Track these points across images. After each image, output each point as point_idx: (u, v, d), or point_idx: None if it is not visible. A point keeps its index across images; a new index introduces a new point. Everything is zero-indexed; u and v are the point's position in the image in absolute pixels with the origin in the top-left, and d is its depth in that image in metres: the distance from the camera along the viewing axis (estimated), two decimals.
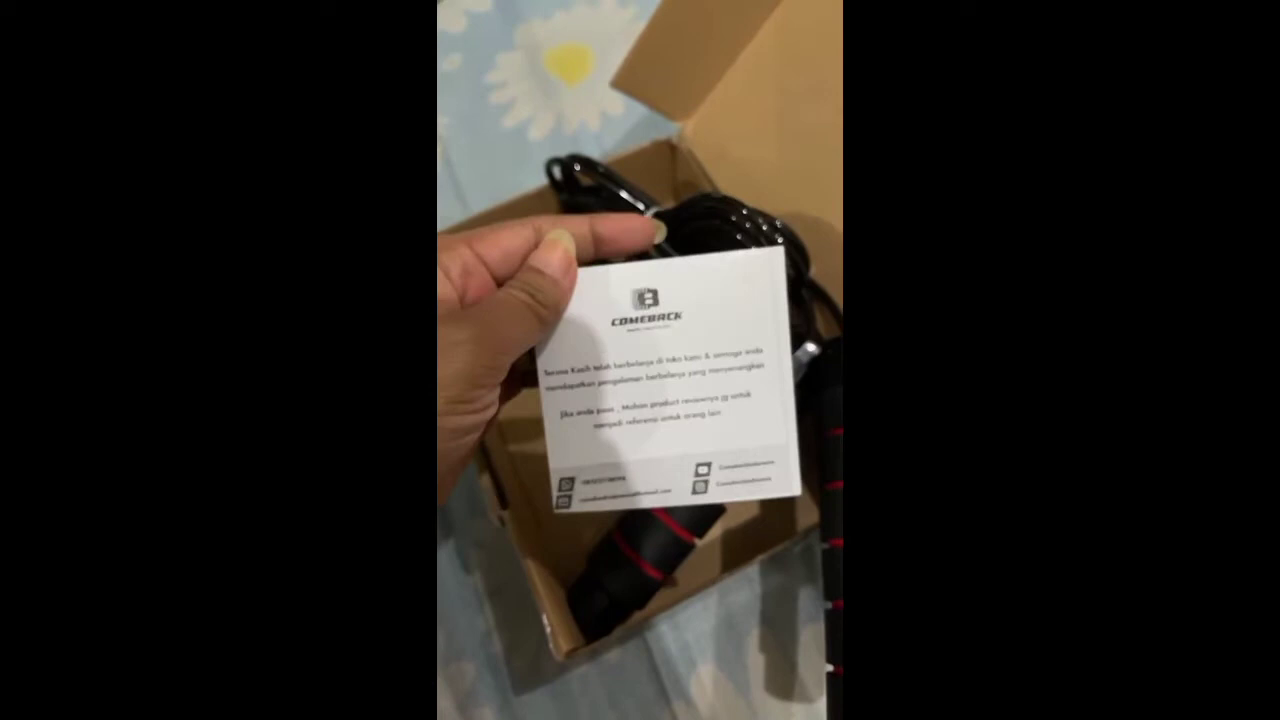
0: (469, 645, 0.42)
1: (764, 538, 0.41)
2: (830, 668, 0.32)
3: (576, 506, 0.28)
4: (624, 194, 0.40)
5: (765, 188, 0.42)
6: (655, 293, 0.27)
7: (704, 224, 0.39)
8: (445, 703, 0.41)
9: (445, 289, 0.26)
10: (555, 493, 0.28)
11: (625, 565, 0.36)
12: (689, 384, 0.27)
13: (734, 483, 0.28)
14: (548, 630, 0.35)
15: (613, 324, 0.28)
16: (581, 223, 0.28)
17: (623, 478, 0.28)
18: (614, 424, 0.28)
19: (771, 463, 0.27)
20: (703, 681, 0.40)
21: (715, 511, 0.37)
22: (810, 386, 0.37)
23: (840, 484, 0.34)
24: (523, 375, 0.29)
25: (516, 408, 0.46)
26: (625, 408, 0.28)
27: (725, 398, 0.27)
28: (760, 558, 0.37)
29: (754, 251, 0.27)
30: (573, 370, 0.28)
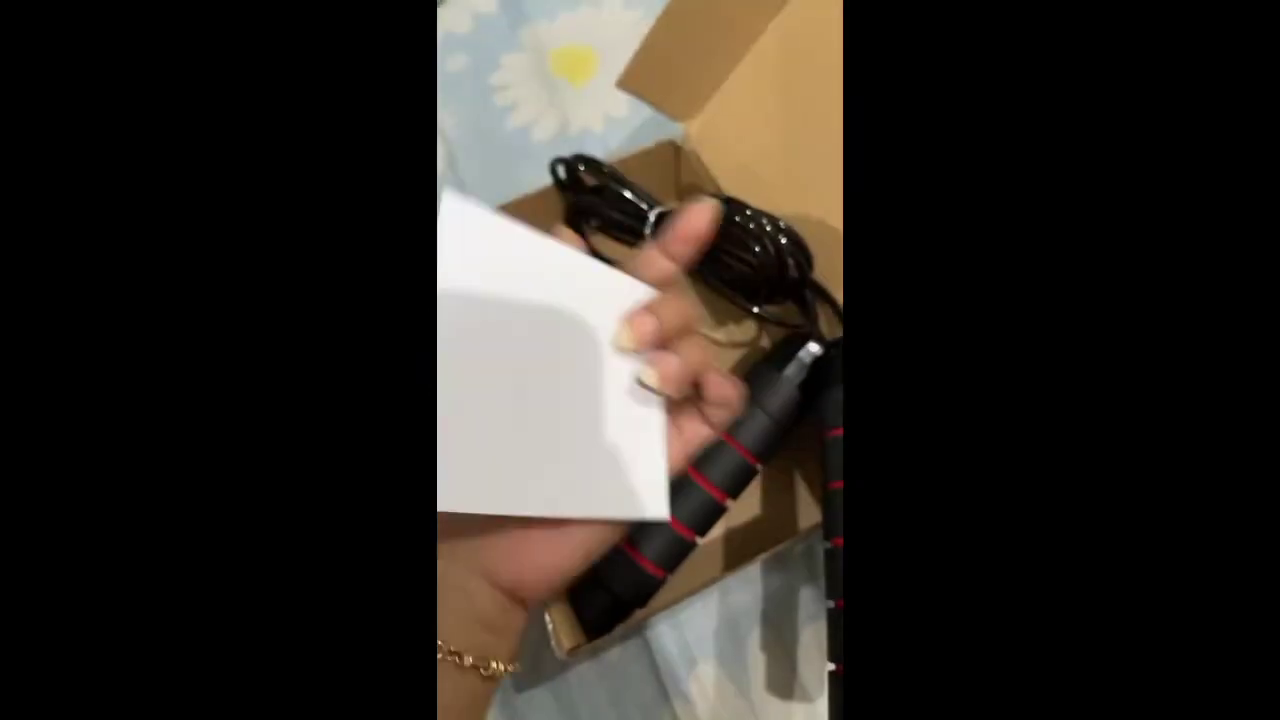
0: None
1: (765, 537, 0.41)
2: (832, 666, 0.33)
3: None
4: (628, 194, 0.41)
5: (769, 188, 0.43)
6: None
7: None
8: None
9: None
10: None
11: (627, 563, 0.36)
12: None
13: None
14: (549, 628, 0.35)
15: None
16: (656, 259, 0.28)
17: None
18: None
19: None
20: (703, 680, 0.40)
21: (717, 510, 0.37)
22: (812, 387, 0.37)
23: (842, 483, 0.34)
24: None
25: None
26: None
27: None
28: (762, 557, 0.38)
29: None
30: None
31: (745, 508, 0.42)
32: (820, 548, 0.42)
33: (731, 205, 0.38)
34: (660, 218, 0.41)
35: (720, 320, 0.46)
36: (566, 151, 0.56)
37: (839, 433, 0.35)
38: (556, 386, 0.25)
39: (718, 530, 0.41)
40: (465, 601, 0.25)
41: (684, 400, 0.27)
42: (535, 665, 0.41)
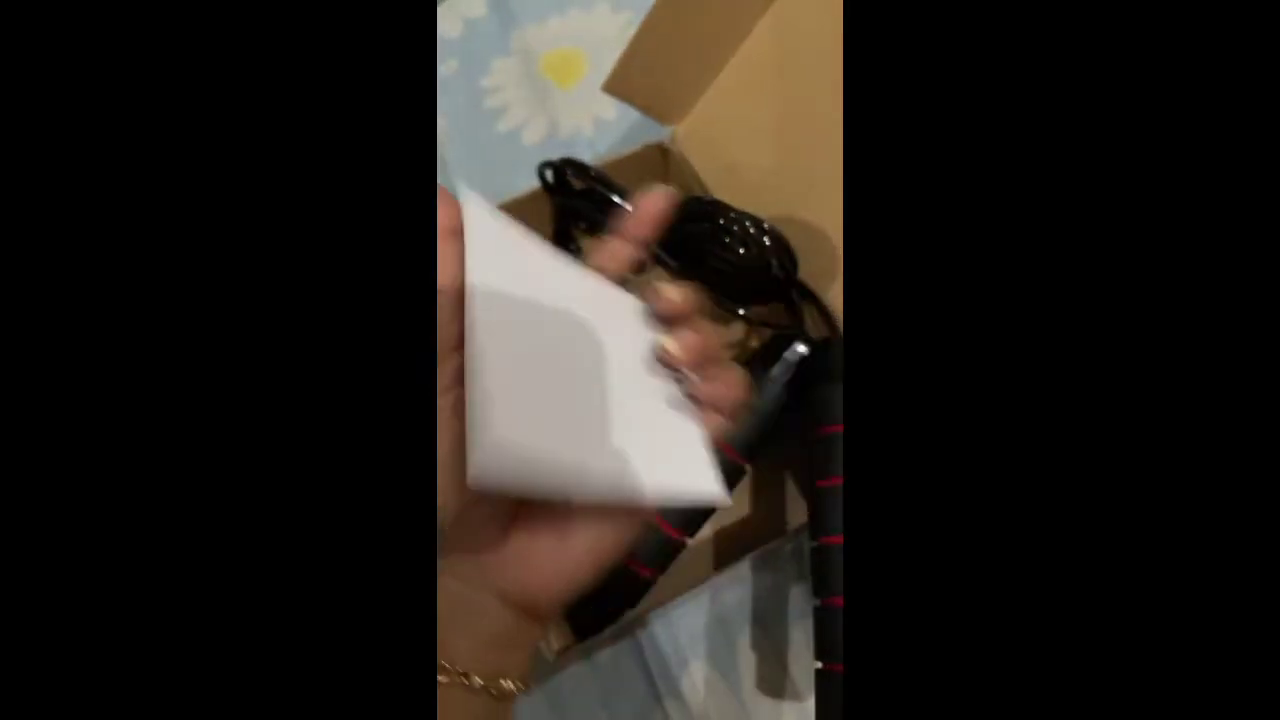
0: None
1: (754, 536, 0.41)
2: (819, 664, 0.33)
3: None
4: (614, 197, 0.41)
5: (757, 190, 0.43)
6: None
7: (694, 227, 0.39)
8: None
9: None
10: None
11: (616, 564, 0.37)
12: None
13: None
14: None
15: None
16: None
17: None
18: None
19: None
20: (694, 680, 0.40)
21: (706, 510, 0.38)
22: (800, 386, 0.37)
23: (829, 481, 0.34)
24: None
25: None
26: None
27: None
28: (751, 556, 0.38)
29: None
30: None
31: (734, 507, 0.42)
32: (807, 547, 0.42)
33: (716, 208, 0.38)
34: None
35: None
36: (556, 154, 0.56)
37: (826, 430, 0.35)
38: (589, 376, 0.25)
39: (706, 530, 0.41)
40: (474, 620, 0.25)
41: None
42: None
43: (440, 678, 0.23)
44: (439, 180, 0.60)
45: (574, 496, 0.24)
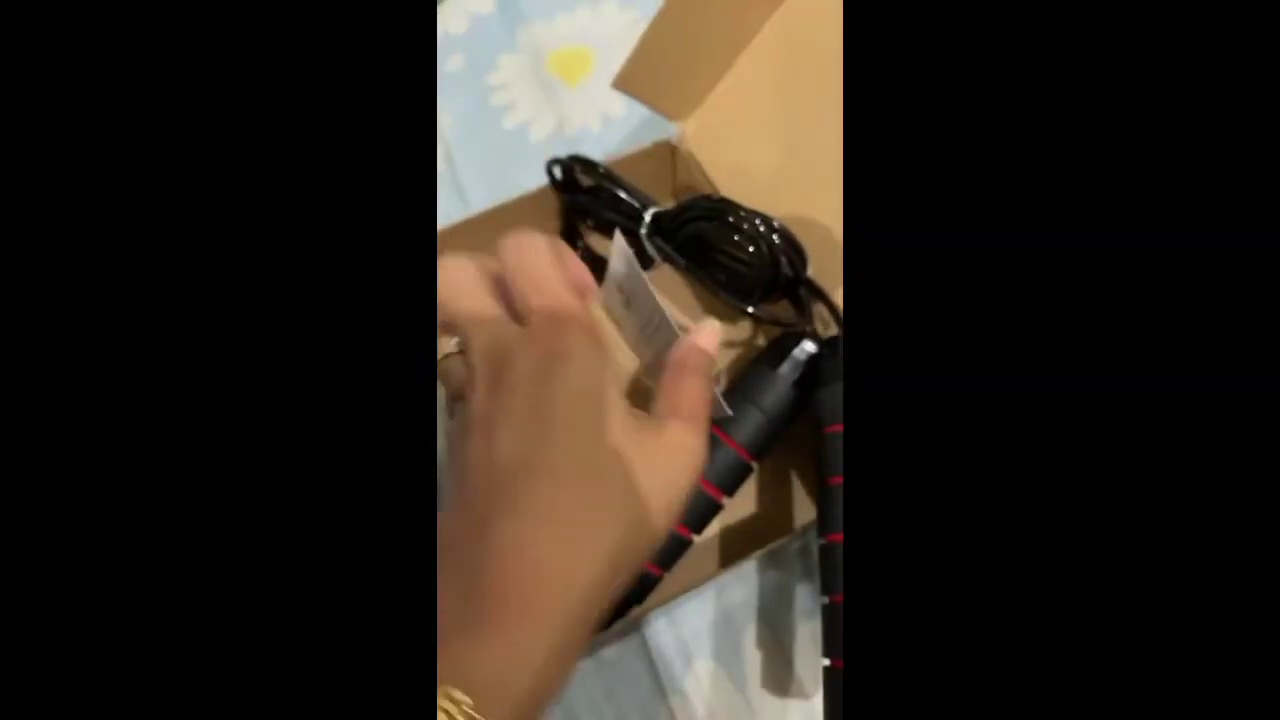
0: None
1: (761, 534, 0.41)
2: (826, 662, 0.33)
3: None
4: (622, 194, 0.41)
5: (765, 188, 0.43)
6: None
7: (703, 225, 0.39)
8: None
9: None
10: None
11: None
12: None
13: None
14: None
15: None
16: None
17: None
18: None
19: None
20: (699, 677, 0.40)
21: (713, 508, 0.38)
22: (807, 385, 0.37)
23: (836, 479, 0.34)
24: None
25: None
26: None
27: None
28: (757, 554, 0.38)
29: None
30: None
31: (741, 505, 0.42)
32: (815, 545, 0.42)
33: (725, 206, 0.38)
34: (655, 218, 0.41)
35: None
36: (563, 150, 0.56)
37: (834, 429, 0.35)
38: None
39: (713, 528, 0.41)
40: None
41: None
42: None
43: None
44: (444, 176, 0.60)
45: None
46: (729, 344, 0.46)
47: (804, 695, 0.40)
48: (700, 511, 0.37)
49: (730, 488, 0.38)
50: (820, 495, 0.36)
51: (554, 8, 0.61)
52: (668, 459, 0.27)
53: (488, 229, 0.44)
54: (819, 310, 0.41)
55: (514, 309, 0.28)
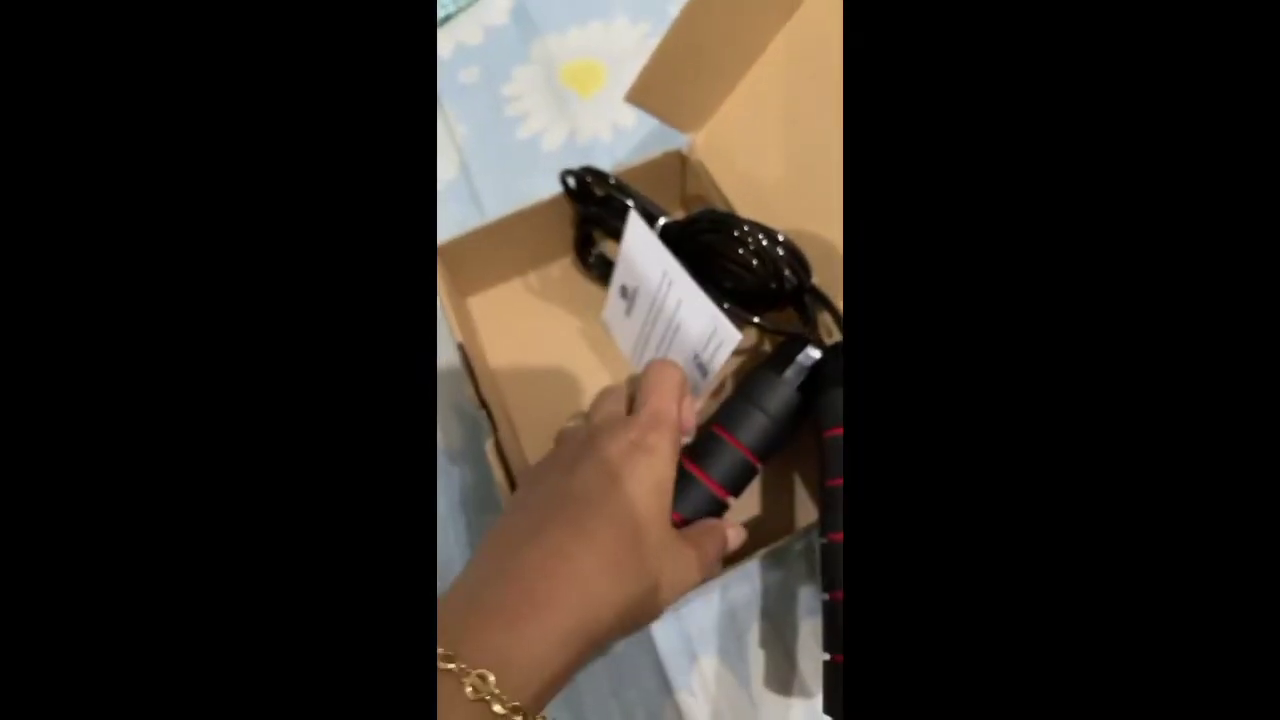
0: None
1: (764, 535, 0.42)
2: (827, 656, 0.34)
3: None
4: (631, 204, 0.42)
5: (773, 199, 0.44)
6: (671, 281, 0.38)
7: (710, 237, 0.41)
8: None
9: None
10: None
11: None
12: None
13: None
14: None
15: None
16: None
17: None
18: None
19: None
20: (704, 674, 0.41)
21: (719, 507, 0.38)
22: (811, 390, 0.39)
23: (836, 481, 0.35)
24: None
25: (533, 407, 0.47)
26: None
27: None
28: (761, 553, 0.39)
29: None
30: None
31: (745, 507, 0.43)
32: (817, 544, 0.43)
33: (729, 219, 0.40)
34: (665, 229, 0.42)
35: None
36: (575, 159, 0.58)
37: (834, 433, 0.36)
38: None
39: None
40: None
41: None
42: None
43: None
44: (459, 184, 0.62)
45: None
46: (736, 351, 0.47)
47: (806, 693, 0.41)
48: (708, 511, 0.38)
49: (736, 488, 0.39)
50: (821, 497, 0.37)
51: (567, 21, 0.63)
52: (689, 565, 0.32)
53: (501, 236, 0.46)
54: (823, 318, 0.42)
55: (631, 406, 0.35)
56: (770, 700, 0.41)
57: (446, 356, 0.47)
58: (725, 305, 0.41)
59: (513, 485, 0.38)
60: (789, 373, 0.39)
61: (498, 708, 0.24)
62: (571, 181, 0.45)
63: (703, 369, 0.41)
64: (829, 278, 0.41)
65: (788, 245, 0.39)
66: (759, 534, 0.42)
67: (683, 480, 0.37)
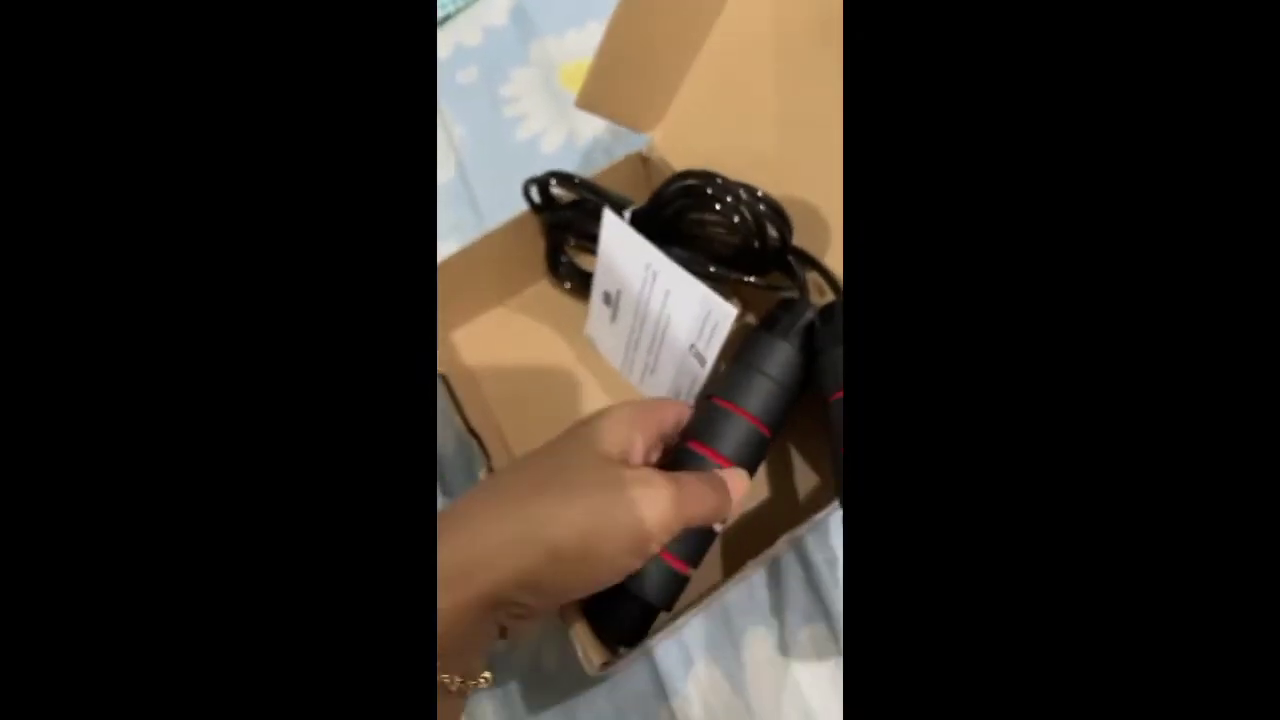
0: None
1: (759, 539, 0.41)
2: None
3: None
4: (598, 200, 0.42)
5: (740, 178, 0.44)
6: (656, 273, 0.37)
7: (682, 203, 0.39)
8: None
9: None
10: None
11: (656, 565, 0.34)
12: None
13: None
14: (578, 649, 0.34)
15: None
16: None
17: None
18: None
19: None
20: (699, 679, 0.41)
21: (708, 538, 0.36)
22: (809, 351, 0.36)
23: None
24: None
25: (530, 433, 0.47)
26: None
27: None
28: (759, 557, 0.38)
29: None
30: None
31: (737, 511, 0.43)
32: (815, 548, 0.42)
33: (704, 179, 0.38)
34: (635, 215, 0.41)
35: None
36: (574, 161, 0.57)
37: (840, 396, 0.34)
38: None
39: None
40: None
41: None
42: (535, 664, 0.42)
43: None
44: (456, 186, 0.61)
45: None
46: None
47: (802, 699, 0.40)
48: (696, 545, 0.36)
49: (750, 462, 0.36)
50: (835, 464, 0.35)
51: (565, 23, 0.62)
52: (646, 499, 0.30)
53: (470, 262, 0.45)
54: (812, 279, 0.40)
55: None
56: (765, 706, 0.40)
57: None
58: (712, 269, 0.39)
59: None
60: (790, 333, 0.36)
61: None
62: (535, 192, 0.44)
63: (700, 358, 0.39)
64: (808, 242, 0.40)
65: (767, 200, 0.38)
66: (753, 539, 0.42)
67: (688, 463, 0.35)
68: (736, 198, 0.38)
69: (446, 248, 0.47)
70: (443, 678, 0.26)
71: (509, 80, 0.61)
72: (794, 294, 0.39)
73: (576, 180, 0.43)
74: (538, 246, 0.48)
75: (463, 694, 0.26)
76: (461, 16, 0.64)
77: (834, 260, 0.40)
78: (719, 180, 0.38)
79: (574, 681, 0.41)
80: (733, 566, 0.39)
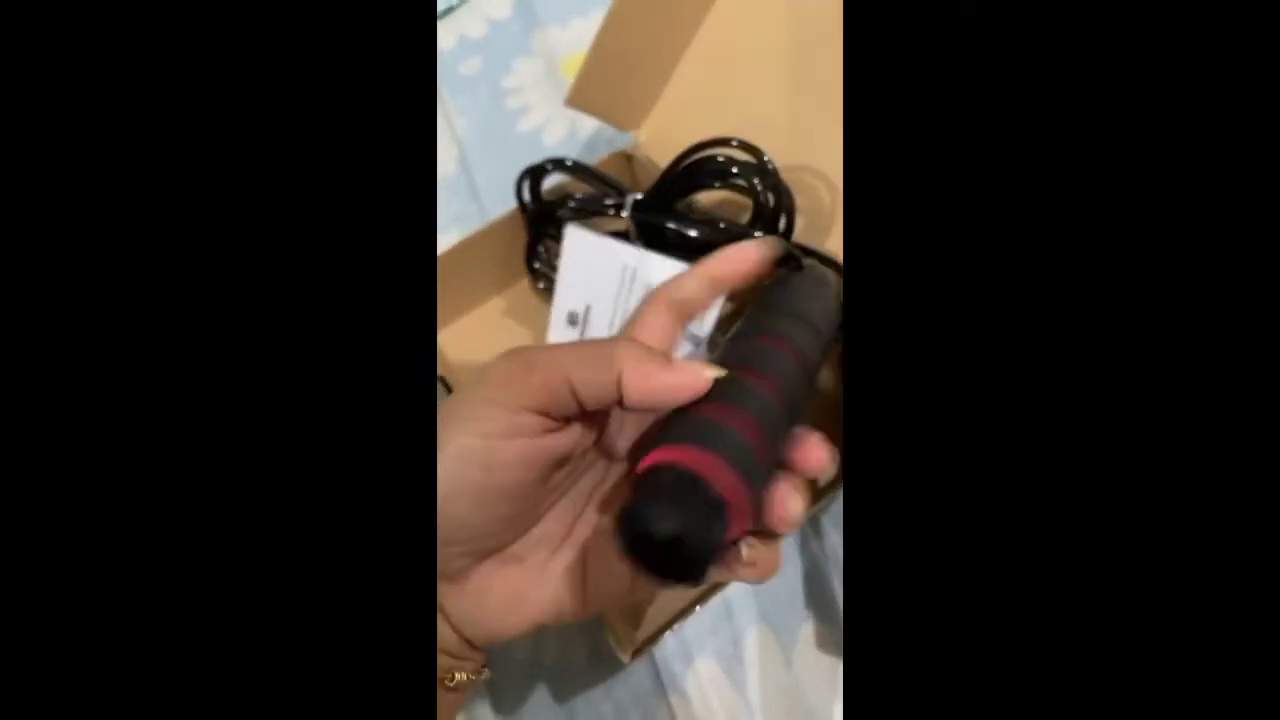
0: None
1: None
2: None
3: None
4: (573, 206, 0.42)
5: None
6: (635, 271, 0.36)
7: (691, 181, 0.39)
8: None
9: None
10: None
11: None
12: None
13: None
14: (611, 641, 0.34)
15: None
16: (694, 277, 0.27)
17: None
18: None
19: None
20: (699, 676, 0.41)
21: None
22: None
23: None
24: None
25: None
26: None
27: None
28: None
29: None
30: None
31: None
32: (816, 545, 0.42)
33: (712, 145, 0.37)
34: (638, 203, 0.40)
35: None
36: (576, 152, 0.57)
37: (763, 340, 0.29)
38: None
39: None
40: None
41: None
42: (535, 658, 0.42)
43: None
44: (459, 177, 0.61)
45: None
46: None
47: (803, 697, 0.40)
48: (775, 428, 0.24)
49: (801, 404, 0.26)
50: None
51: (568, 13, 0.62)
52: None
53: (458, 262, 0.45)
54: None
55: None
56: (766, 703, 0.40)
57: None
58: (722, 224, 0.37)
59: None
60: (813, 269, 0.30)
61: None
62: (527, 188, 0.44)
63: (695, 339, 0.37)
64: (795, 239, 0.39)
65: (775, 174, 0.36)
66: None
67: (737, 390, 0.24)
68: (746, 164, 0.36)
69: (448, 239, 0.47)
70: (455, 675, 0.25)
71: (512, 72, 0.61)
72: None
73: (569, 163, 0.42)
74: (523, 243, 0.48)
75: (460, 689, 0.26)
76: (465, 8, 0.64)
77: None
78: (730, 142, 0.37)
79: (573, 678, 0.41)
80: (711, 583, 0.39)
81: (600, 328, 0.40)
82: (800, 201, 0.38)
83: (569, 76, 0.60)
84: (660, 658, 0.41)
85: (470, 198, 0.56)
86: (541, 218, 0.44)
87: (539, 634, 0.41)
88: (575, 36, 0.61)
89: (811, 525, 0.43)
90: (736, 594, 0.42)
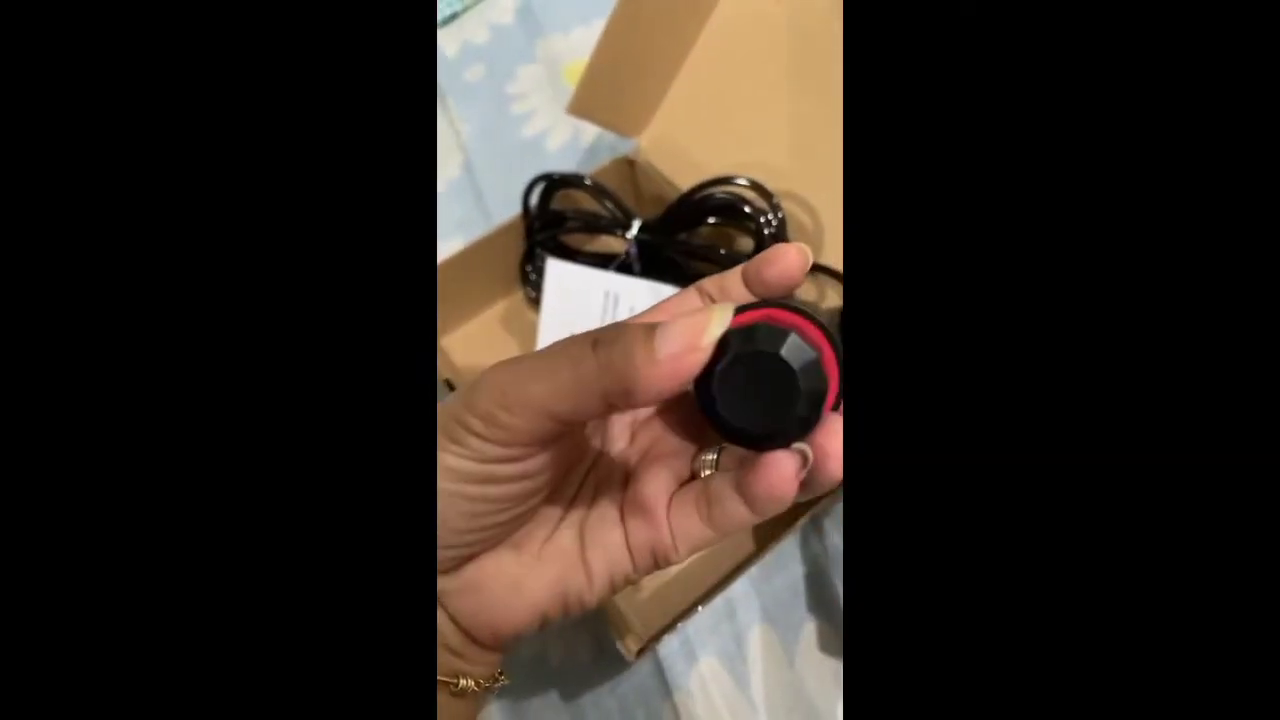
0: None
1: (762, 533, 0.41)
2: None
3: None
4: (610, 205, 0.42)
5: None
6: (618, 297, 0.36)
7: (700, 213, 0.40)
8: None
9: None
10: None
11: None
12: None
13: None
14: (618, 641, 0.34)
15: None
16: (735, 276, 0.25)
17: None
18: None
19: None
20: (703, 674, 0.41)
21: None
22: None
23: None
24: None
25: None
26: None
27: None
28: (763, 554, 0.38)
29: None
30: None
31: None
32: (819, 544, 0.43)
33: (715, 185, 0.39)
34: (643, 227, 0.41)
35: None
36: (579, 158, 0.58)
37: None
38: None
39: None
40: None
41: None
42: (540, 658, 0.42)
43: None
44: (463, 183, 0.61)
45: None
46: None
47: (806, 695, 0.40)
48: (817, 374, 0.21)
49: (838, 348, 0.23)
50: None
51: (571, 21, 0.63)
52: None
53: (459, 269, 0.46)
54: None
55: None
56: (770, 701, 0.40)
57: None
58: (723, 251, 0.39)
59: None
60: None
61: None
62: (535, 196, 0.44)
63: None
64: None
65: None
66: (756, 533, 0.42)
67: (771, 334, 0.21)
68: (756, 205, 0.38)
69: (453, 245, 0.47)
70: (460, 681, 0.25)
71: (515, 78, 0.61)
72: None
73: (588, 182, 0.43)
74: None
75: (476, 695, 0.26)
76: (469, 15, 0.65)
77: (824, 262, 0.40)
78: (734, 179, 0.38)
79: (579, 677, 0.42)
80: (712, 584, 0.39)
81: None
82: (794, 206, 0.39)
83: (571, 83, 0.60)
84: (664, 656, 0.41)
85: (474, 202, 0.57)
86: (542, 229, 0.45)
87: (545, 634, 0.42)
88: (577, 43, 0.62)
89: (813, 525, 0.43)
90: (739, 593, 0.42)
